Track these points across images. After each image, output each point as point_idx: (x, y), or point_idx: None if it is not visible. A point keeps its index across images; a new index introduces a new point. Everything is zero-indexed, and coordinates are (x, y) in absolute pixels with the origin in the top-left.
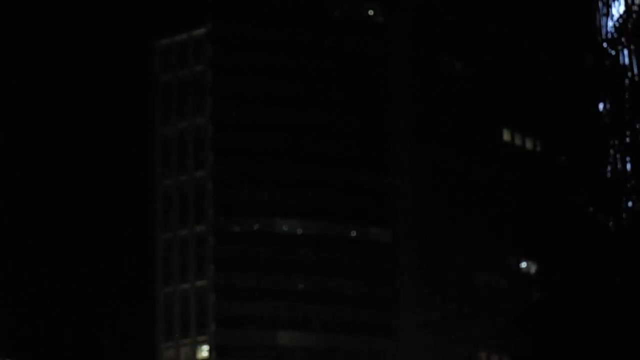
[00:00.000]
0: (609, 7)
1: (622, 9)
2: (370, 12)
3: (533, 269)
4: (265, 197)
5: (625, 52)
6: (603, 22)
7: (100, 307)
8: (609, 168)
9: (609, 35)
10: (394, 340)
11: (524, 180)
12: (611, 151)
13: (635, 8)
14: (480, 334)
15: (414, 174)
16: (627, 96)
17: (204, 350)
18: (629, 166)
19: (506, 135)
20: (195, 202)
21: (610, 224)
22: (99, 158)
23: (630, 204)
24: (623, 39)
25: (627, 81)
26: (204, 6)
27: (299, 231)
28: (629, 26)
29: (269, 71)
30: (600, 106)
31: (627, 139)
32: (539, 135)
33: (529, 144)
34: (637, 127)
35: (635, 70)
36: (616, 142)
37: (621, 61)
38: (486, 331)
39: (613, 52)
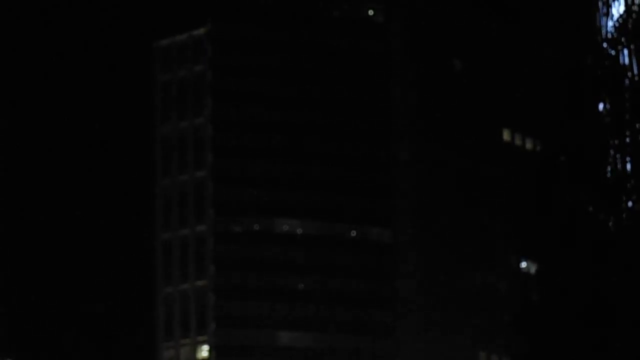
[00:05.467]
0: (609, 7)
1: (622, 9)
2: (370, 12)
3: (533, 269)
4: (265, 197)
5: (625, 52)
6: (603, 22)
7: (101, 307)
8: (609, 168)
9: (609, 35)
10: (394, 340)
11: (524, 180)
12: (611, 151)
13: (635, 8)
14: (480, 334)
15: (414, 174)
16: (627, 96)
17: (204, 350)
18: (629, 166)
19: (506, 135)
20: (195, 202)
21: (610, 224)
22: (99, 158)
23: (630, 204)
24: (623, 39)
25: (627, 81)
26: (204, 6)
27: (299, 231)
28: (629, 26)
29: (269, 71)
30: (600, 106)
31: (627, 139)
32: (539, 135)
33: (529, 144)
34: (637, 127)
35: (635, 70)
36: (616, 142)
37: (621, 61)
38: (486, 331)
39: (613, 52)
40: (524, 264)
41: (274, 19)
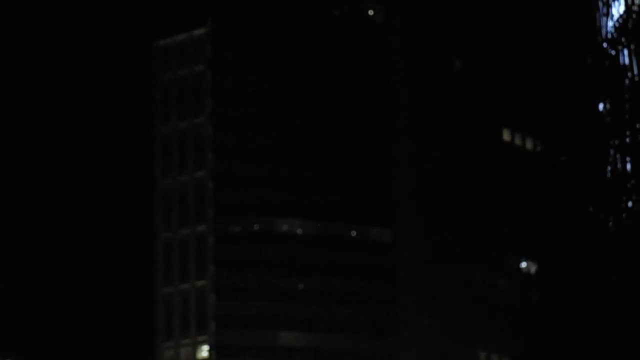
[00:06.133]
0: (609, 7)
1: (622, 9)
2: (370, 12)
3: (533, 269)
4: (265, 197)
5: (625, 52)
6: (603, 22)
7: (100, 307)
8: (609, 168)
9: (609, 35)
10: (394, 340)
11: (524, 180)
12: (611, 151)
13: (635, 8)
14: (480, 334)
15: (414, 174)
16: (627, 96)
17: (204, 350)
18: (629, 166)
19: (506, 135)
20: (195, 202)
21: (610, 224)
22: (99, 158)
23: (630, 204)
24: (623, 39)
25: (627, 81)
26: (204, 6)
27: (299, 231)
28: (629, 26)
29: (269, 71)
30: (600, 106)
31: (627, 139)
32: (539, 135)
33: (529, 144)
34: (637, 127)
35: (635, 70)
36: (616, 142)
37: (621, 61)
38: (486, 331)
39: (613, 52)
40: (524, 264)
41: (274, 19)
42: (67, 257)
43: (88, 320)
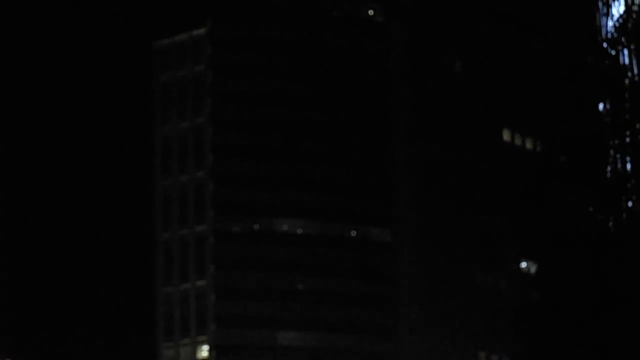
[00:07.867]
0: (609, 7)
1: (622, 9)
2: (370, 12)
3: (533, 269)
4: (265, 197)
5: (625, 52)
6: (603, 22)
7: (100, 307)
8: (609, 168)
9: (609, 35)
10: (394, 340)
11: (524, 180)
12: (611, 151)
13: (635, 8)
14: (480, 334)
15: (414, 174)
16: (627, 96)
17: (204, 350)
18: (629, 166)
19: (506, 135)
20: (195, 202)
21: (610, 224)
22: (99, 158)
23: (630, 204)
24: (623, 39)
25: (627, 81)
26: (204, 6)
27: (299, 231)
28: (629, 26)
29: (269, 71)
30: (600, 106)
31: (627, 139)
32: (539, 135)
33: (529, 144)
34: (637, 127)
35: (635, 70)
36: (616, 142)
37: (621, 61)
38: (486, 331)
39: (613, 52)
40: (524, 264)
41: (273, 19)
42: (67, 257)
43: (88, 320)
